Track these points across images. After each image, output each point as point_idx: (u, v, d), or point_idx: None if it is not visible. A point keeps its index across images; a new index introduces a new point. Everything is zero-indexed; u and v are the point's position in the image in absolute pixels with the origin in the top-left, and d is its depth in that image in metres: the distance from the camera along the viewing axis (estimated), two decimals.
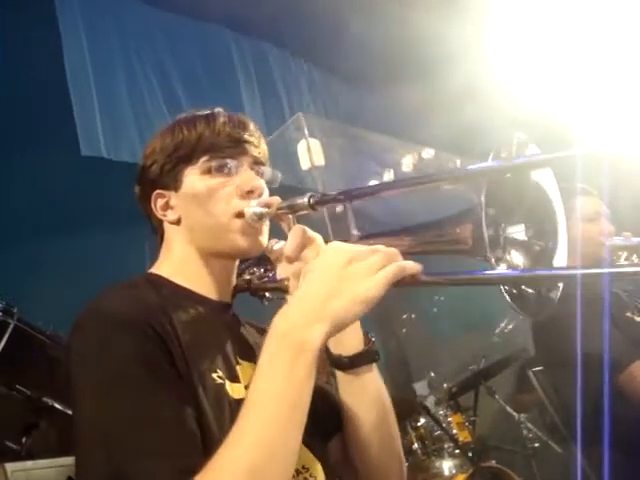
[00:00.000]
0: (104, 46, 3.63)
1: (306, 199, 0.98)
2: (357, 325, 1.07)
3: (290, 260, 0.99)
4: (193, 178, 1.08)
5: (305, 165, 4.06)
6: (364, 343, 1.07)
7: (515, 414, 3.79)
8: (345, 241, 0.87)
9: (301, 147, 4.08)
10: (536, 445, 3.64)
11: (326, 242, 1.02)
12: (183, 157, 1.08)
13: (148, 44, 3.85)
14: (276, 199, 1.05)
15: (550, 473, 3.53)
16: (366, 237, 1.06)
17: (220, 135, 1.08)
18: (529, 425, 3.70)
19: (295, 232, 0.98)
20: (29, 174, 3.21)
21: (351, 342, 1.06)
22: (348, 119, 4.97)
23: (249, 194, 1.06)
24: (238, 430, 0.76)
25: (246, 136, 1.11)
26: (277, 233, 1.09)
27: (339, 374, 1.08)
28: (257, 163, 1.12)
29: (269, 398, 0.76)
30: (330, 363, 1.07)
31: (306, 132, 4.07)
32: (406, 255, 0.86)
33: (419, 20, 4.01)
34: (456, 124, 4.63)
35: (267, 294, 1.13)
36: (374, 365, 1.08)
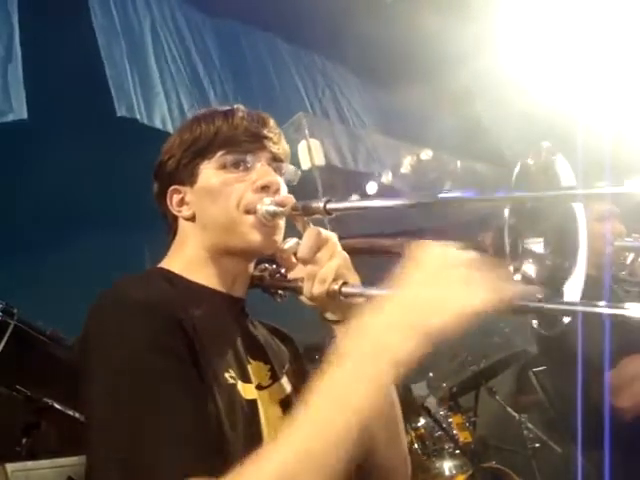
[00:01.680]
0: (135, 25, 3.68)
1: (322, 204, 0.95)
2: None
3: (305, 262, 0.96)
4: (208, 172, 1.06)
5: (306, 165, 4.06)
6: None
7: (515, 414, 3.79)
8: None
9: (302, 147, 4.08)
10: (536, 445, 3.64)
11: None
12: (200, 151, 1.06)
13: (175, 33, 3.91)
14: (290, 198, 1.03)
15: (550, 473, 3.53)
16: (376, 236, 1.04)
17: (238, 129, 1.06)
18: (529, 425, 3.70)
19: (309, 234, 0.96)
20: (31, 176, 3.21)
21: None
22: (362, 109, 4.99)
23: (264, 190, 1.04)
24: (286, 432, 0.70)
25: (265, 132, 1.08)
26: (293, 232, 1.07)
27: None
28: (276, 160, 1.09)
29: (330, 404, 0.69)
30: None
31: (306, 132, 4.07)
32: None
33: (426, 19, 4.01)
34: (462, 123, 4.64)
35: (280, 292, 1.11)
36: None
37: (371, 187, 4.99)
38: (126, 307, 0.87)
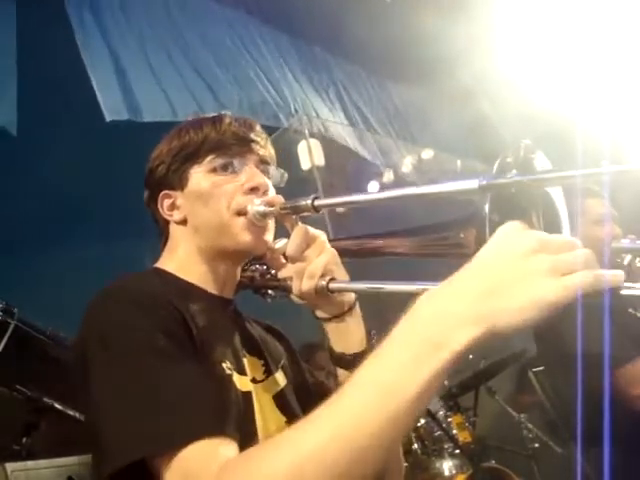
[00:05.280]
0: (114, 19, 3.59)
1: (309, 201, 0.98)
2: (360, 322, 1.07)
3: (293, 260, 0.98)
4: (198, 176, 1.08)
5: (305, 165, 4.06)
6: (366, 341, 1.07)
7: (515, 414, 3.79)
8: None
9: (301, 147, 4.08)
10: (536, 445, 3.64)
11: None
12: (189, 156, 1.08)
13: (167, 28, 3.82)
14: (279, 198, 1.05)
15: (550, 473, 3.53)
16: (366, 237, 1.06)
17: (226, 134, 1.08)
18: (529, 425, 3.70)
19: (297, 232, 0.98)
20: (31, 176, 3.21)
21: (354, 340, 1.06)
22: (370, 102, 4.98)
23: (253, 191, 1.06)
24: (325, 410, 0.64)
25: (252, 135, 1.10)
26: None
27: (341, 372, 1.08)
28: (263, 162, 1.11)
29: (377, 387, 0.63)
30: (332, 361, 1.08)
31: (306, 132, 4.07)
32: (406, 257, 0.86)
33: (425, 19, 4.01)
34: (463, 122, 4.64)
35: (270, 292, 1.13)
36: None
37: (372, 187, 4.99)
38: (128, 297, 0.88)
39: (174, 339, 0.84)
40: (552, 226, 0.86)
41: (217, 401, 0.80)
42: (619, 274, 0.62)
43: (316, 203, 0.97)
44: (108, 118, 3.13)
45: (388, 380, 0.62)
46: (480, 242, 0.76)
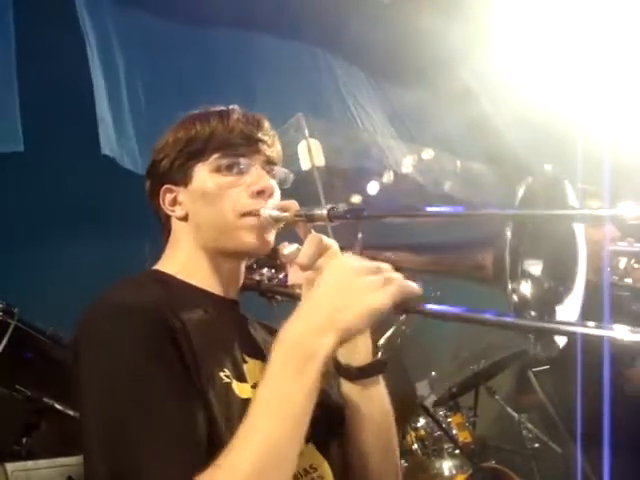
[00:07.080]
0: (111, 55, 3.57)
1: (325, 211, 0.96)
2: (366, 335, 1.06)
3: (305, 269, 0.97)
4: (203, 175, 1.06)
5: (305, 165, 4.06)
6: (372, 354, 1.06)
7: (515, 414, 3.79)
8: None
9: (301, 147, 4.08)
10: (536, 445, 3.63)
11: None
12: (194, 153, 1.06)
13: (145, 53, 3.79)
14: (293, 204, 1.03)
15: (550, 473, 3.53)
16: (379, 248, 1.04)
17: (233, 132, 1.06)
18: (529, 425, 3.70)
19: (311, 240, 0.96)
20: (32, 175, 3.21)
21: (360, 352, 1.05)
22: (369, 102, 4.97)
23: (259, 194, 1.04)
24: (246, 432, 0.77)
25: (260, 134, 1.08)
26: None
27: (346, 383, 1.07)
28: (270, 163, 1.10)
29: (277, 404, 0.78)
30: (338, 372, 1.06)
31: (306, 132, 4.06)
32: (423, 273, 0.87)
33: (424, 19, 4.01)
34: (460, 123, 4.63)
35: (277, 297, 1.12)
36: (380, 377, 1.08)
37: (372, 187, 4.97)
38: (116, 316, 0.87)
39: (161, 365, 0.84)
40: (569, 251, 0.85)
41: (195, 442, 0.82)
42: (419, 287, 0.83)
43: (332, 214, 0.95)
44: (103, 151, 3.13)
45: (283, 393, 0.78)
46: (498, 265, 0.77)
